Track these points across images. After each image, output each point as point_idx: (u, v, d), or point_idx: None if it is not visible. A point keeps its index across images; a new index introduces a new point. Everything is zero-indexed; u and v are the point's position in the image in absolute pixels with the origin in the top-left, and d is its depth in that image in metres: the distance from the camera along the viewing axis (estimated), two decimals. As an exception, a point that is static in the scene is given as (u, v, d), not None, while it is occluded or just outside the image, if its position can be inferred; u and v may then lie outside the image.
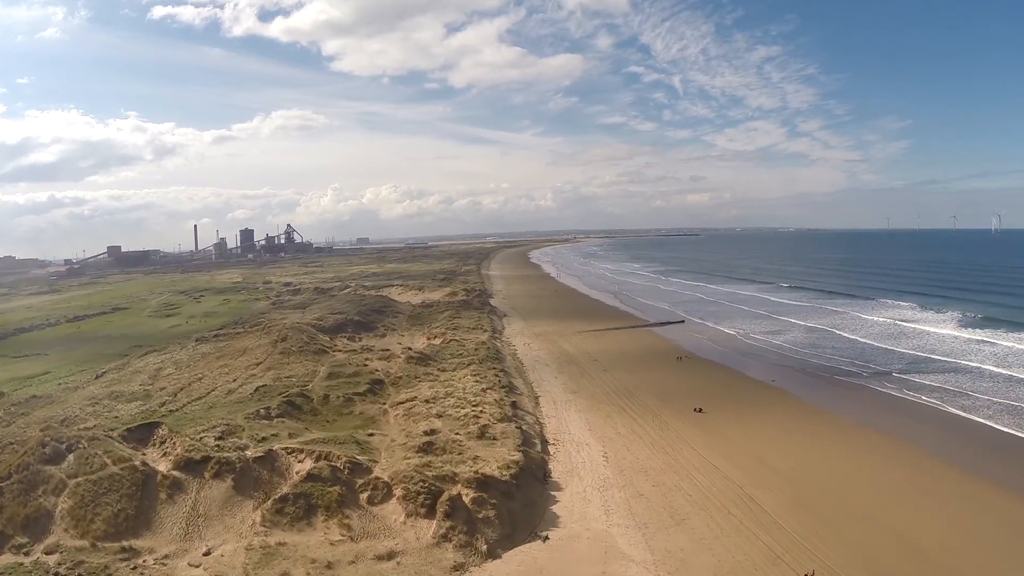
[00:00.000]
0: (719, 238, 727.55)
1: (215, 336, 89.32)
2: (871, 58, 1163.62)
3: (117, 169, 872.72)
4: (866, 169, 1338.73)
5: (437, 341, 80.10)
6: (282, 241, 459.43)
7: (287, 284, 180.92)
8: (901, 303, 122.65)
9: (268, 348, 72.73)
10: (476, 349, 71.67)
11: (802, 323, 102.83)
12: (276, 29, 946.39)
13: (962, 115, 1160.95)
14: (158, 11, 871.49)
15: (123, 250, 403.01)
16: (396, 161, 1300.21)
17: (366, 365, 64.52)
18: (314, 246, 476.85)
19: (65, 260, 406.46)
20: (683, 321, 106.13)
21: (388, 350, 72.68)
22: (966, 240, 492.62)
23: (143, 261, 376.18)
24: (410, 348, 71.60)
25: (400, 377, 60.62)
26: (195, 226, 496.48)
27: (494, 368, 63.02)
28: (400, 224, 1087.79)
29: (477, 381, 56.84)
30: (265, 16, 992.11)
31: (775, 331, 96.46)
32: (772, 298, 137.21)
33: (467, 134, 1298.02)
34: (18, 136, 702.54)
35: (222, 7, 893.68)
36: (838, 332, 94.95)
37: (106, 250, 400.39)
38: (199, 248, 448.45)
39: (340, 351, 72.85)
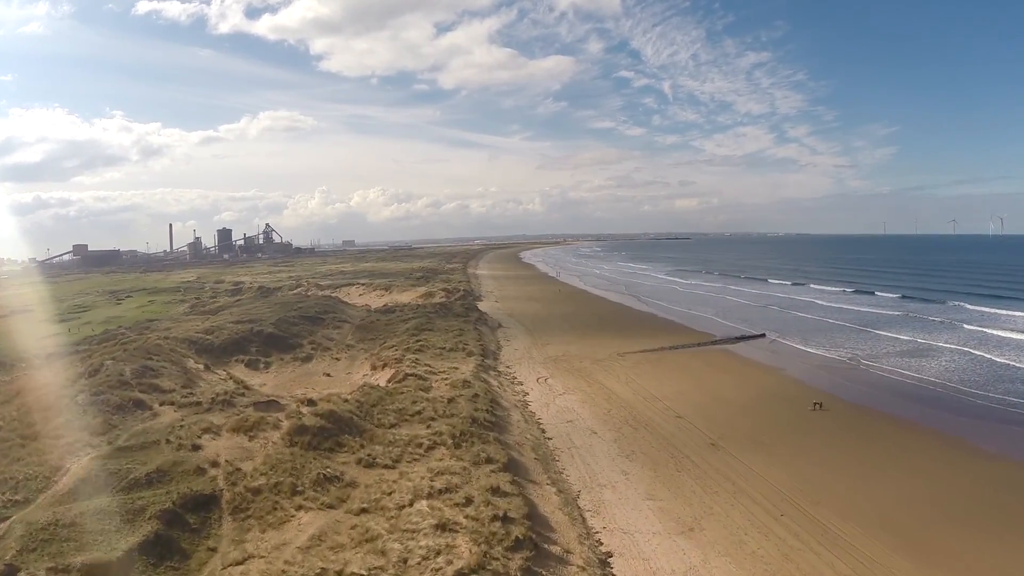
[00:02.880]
0: (711, 242, 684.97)
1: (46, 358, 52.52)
2: (859, 65, 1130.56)
3: (103, 170, 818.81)
4: (853, 175, 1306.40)
5: (383, 376, 43.34)
6: (260, 241, 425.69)
7: (237, 284, 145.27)
8: (997, 310, 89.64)
9: (47, 395, 35.79)
10: (452, 399, 34.62)
11: (923, 341, 67.70)
12: (263, 27, 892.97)
13: (949, 122, 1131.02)
14: (143, 6, 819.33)
15: (89, 249, 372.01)
16: (384, 164, 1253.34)
17: (198, 448, 27.43)
18: (294, 246, 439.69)
19: (30, 259, 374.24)
20: (763, 335, 70.02)
21: (274, 403, 35.15)
22: (972, 244, 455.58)
23: (110, 260, 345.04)
24: (309, 402, 33.68)
25: (258, 491, 23.60)
26: (170, 226, 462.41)
27: (490, 460, 25.86)
28: (387, 227, 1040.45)
29: (444, 527, 19.75)
30: (252, 13, 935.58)
31: (904, 353, 61.43)
32: (832, 304, 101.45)
33: (456, 138, 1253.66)
34: (2, 135, 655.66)
35: (208, 3, 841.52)
36: (994, 358, 60.12)
37: (72, 249, 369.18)
38: (173, 248, 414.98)
39: (177, 404, 35.27)
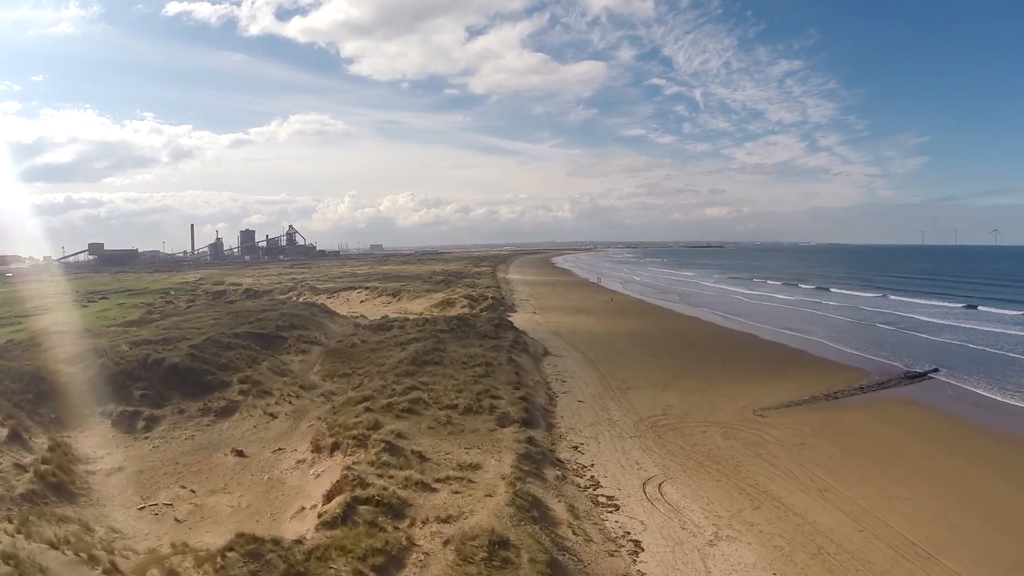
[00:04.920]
0: (744, 250, 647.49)
1: None
2: (891, 74, 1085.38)
3: (134, 171, 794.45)
4: (884, 185, 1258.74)
5: (326, 474, 19.82)
6: (283, 243, 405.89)
7: (234, 285, 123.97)
8: None
9: None
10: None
11: None
12: (294, 29, 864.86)
13: (981, 132, 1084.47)
14: (173, 7, 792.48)
15: (106, 248, 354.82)
16: (414, 169, 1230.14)
17: None
18: (317, 248, 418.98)
19: (44, 257, 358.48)
20: (931, 374, 45.86)
21: None
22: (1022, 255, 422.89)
23: (127, 260, 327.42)
24: None
25: None
26: (191, 226, 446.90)
27: None
28: (416, 232, 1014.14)
29: None
30: (282, 15, 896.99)
31: None
32: (957, 324, 75.48)
33: (486, 144, 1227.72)
34: (33, 135, 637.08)
35: (239, 4, 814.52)
36: None
37: (87, 247, 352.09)
38: (195, 249, 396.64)
39: None
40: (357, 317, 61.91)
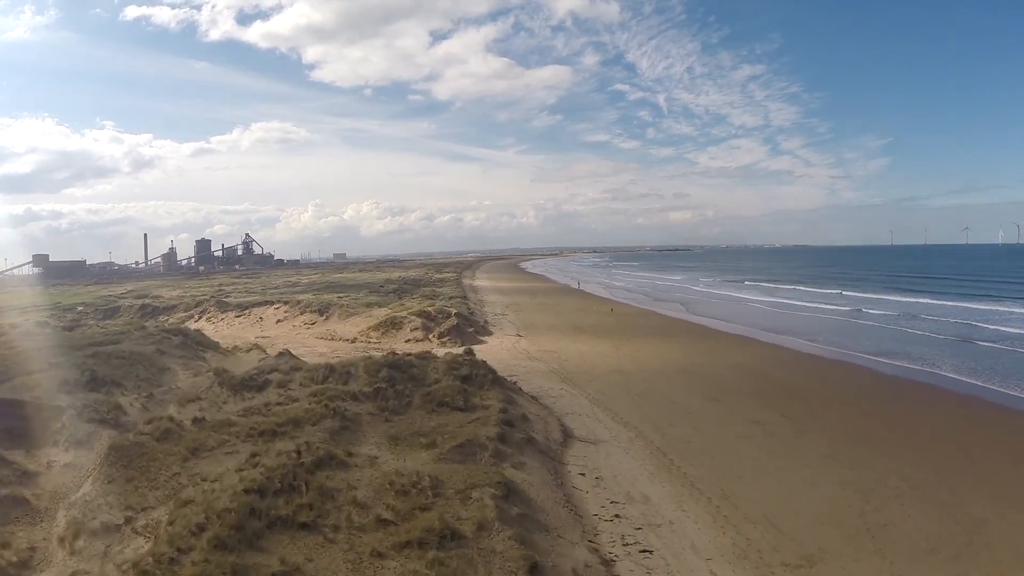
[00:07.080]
0: (713, 253, 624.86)
1: None
2: (853, 78, 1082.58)
3: (94, 181, 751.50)
4: (847, 186, 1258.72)
5: None
6: (240, 252, 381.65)
7: (151, 298, 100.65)
8: None
9: None
10: None
11: None
12: (255, 34, 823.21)
13: (943, 133, 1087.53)
14: (131, 12, 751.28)
15: (51, 259, 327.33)
16: (378, 177, 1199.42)
17: None
18: (275, 258, 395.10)
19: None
20: None
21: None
22: (1008, 252, 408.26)
23: (74, 272, 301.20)
24: None
25: None
26: (144, 236, 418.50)
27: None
28: (381, 241, 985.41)
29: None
30: (243, 19, 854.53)
31: None
32: None
33: (450, 151, 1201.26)
34: None
35: (199, 8, 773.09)
36: None
37: (32, 259, 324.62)
38: (148, 259, 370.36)
39: None
40: (249, 349, 38.90)
